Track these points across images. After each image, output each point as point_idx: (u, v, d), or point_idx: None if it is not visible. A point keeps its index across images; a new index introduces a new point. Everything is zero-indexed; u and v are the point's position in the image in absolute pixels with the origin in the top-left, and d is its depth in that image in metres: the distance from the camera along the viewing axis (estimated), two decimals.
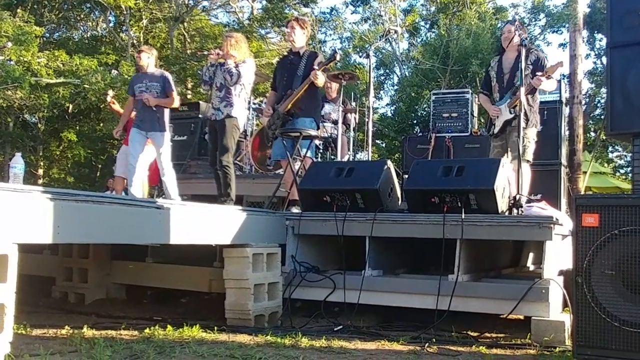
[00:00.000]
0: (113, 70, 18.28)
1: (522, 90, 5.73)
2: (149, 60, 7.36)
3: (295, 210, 6.14)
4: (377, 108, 22.92)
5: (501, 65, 6.41)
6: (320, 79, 6.45)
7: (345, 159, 8.99)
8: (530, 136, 6.16)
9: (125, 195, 7.64)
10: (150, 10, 21.44)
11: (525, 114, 6.03)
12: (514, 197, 5.29)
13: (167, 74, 7.43)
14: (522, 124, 6.04)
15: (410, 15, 22.78)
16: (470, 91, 10.59)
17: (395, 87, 22.48)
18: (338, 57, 6.78)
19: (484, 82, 6.70)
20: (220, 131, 6.51)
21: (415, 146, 10.18)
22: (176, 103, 7.28)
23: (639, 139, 3.87)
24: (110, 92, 9.56)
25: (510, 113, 6.12)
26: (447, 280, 4.67)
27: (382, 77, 23.47)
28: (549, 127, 8.81)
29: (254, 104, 10.67)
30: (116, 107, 9.24)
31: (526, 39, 6.10)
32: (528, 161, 6.09)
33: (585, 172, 15.53)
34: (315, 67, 6.44)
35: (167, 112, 7.27)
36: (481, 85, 6.90)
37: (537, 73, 5.99)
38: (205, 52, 7.13)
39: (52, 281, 5.99)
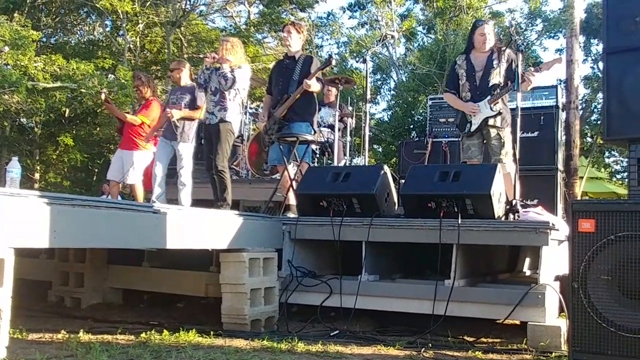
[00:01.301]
0: (110, 75, 18.29)
1: (519, 96, 5.72)
2: (179, 75, 7.50)
3: (292, 215, 6.15)
4: (374, 113, 22.97)
5: (471, 63, 6.30)
6: (313, 87, 6.46)
7: (342, 163, 8.99)
8: (507, 136, 6.14)
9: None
10: (147, 15, 21.46)
11: (501, 113, 6.10)
12: (511, 202, 5.29)
13: (199, 88, 7.44)
14: (498, 124, 6.09)
15: (407, 20, 22.87)
16: None
17: (392, 92, 22.58)
18: (333, 62, 6.79)
19: (451, 82, 6.51)
20: (215, 136, 6.52)
21: (411, 151, 10.17)
22: (201, 116, 7.29)
23: (635, 145, 3.87)
24: (105, 91, 9.51)
25: (492, 110, 6.07)
26: (444, 285, 4.67)
27: (379, 82, 23.57)
28: (546, 132, 8.83)
29: (251, 108, 10.68)
30: (112, 105, 9.22)
31: (501, 46, 6.16)
32: (505, 163, 6.05)
33: (581, 178, 15.56)
34: (311, 72, 6.45)
35: (193, 124, 7.30)
36: (446, 85, 6.73)
37: (531, 70, 5.94)
38: (202, 56, 7.16)
39: (49, 285, 5.97)
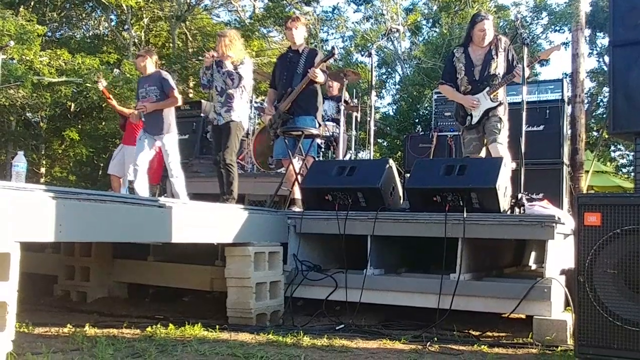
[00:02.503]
0: (115, 69, 18.30)
1: (525, 89, 5.69)
2: (144, 63, 7.29)
3: (297, 209, 6.15)
4: (379, 107, 22.95)
5: (469, 57, 6.22)
6: (320, 76, 6.45)
7: (347, 157, 8.99)
8: (505, 123, 6.11)
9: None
10: (152, 9, 21.46)
11: (502, 103, 6.08)
12: (516, 196, 5.28)
13: (164, 73, 7.31)
14: (500, 113, 6.06)
15: (412, 14, 22.82)
16: None
17: (397, 86, 22.53)
18: (336, 54, 6.77)
19: (448, 73, 6.40)
20: (224, 133, 6.49)
21: (417, 145, 10.16)
22: (177, 102, 7.17)
23: None
24: (103, 82, 9.34)
25: (493, 101, 6.03)
26: (449, 279, 4.67)
27: (384, 76, 23.53)
28: (551, 126, 8.80)
29: (256, 102, 10.66)
30: (112, 100, 9.19)
31: (497, 35, 6.14)
32: (501, 144, 6.02)
33: (587, 171, 15.50)
34: (315, 65, 6.45)
35: (171, 112, 7.16)
36: (442, 77, 6.58)
37: (517, 67, 5.90)
38: (201, 58, 7.13)
39: (54, 279, 5.99)
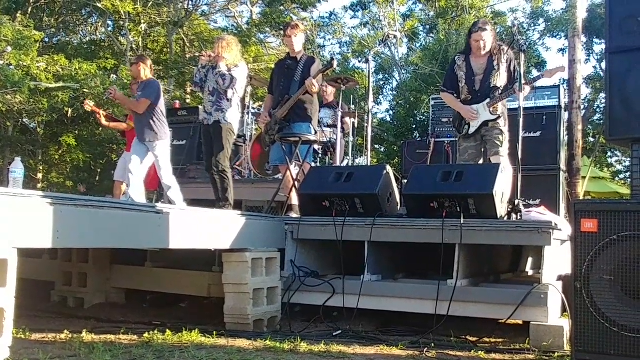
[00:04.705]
0: (112, 75, 18.28)
1: (521, 96, 5.68)
2: (137, 70, 7.25)
3: (295, 215, 6.15)
4: (376, 113, 22.92)
5: (470, 66, 6.17)
6: (316, 87, 6.47)
7: (344, 163, 8.99)
8: (506, 134, 6.10)
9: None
10: (149, 15, 21.47)
11: (500, 117, 6.06)
12: (513, 202, 5.29)
13: (152, 81, 7.23)
14: (501, 124, 6.05)
15: (409, 20, 22.86)
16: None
17: (395, 92, 22.52)
18: (335, 65, 6.77)
19: (449, 81, 6.34)
20: (215, 136, 6.48)
21: (414, 151, 10.19)
22: (138, 108, 6.97)
23: (637, 145, 3.87)
24: (89, 103, 9.20)
25: (492, 114, 6.01)
26: (446, 285, 4.67)
27: (381, 82, 23.51)
28: (548, 132, 8.82)
29: (254, 108, 10.65)
30: (107, 122, 9.15)
31: (501, 45, 6.12)
32: (503, 156, 6.01)
33: (584, 177, 15.53)
34: (312, 75, 6.46)
35: (162, 119, 7.03)
36: (443, 84, 6.52)
37: (517, 85, 5.86)
38: (197, 54, 7.13)
39: (52, 285, 5.98)
